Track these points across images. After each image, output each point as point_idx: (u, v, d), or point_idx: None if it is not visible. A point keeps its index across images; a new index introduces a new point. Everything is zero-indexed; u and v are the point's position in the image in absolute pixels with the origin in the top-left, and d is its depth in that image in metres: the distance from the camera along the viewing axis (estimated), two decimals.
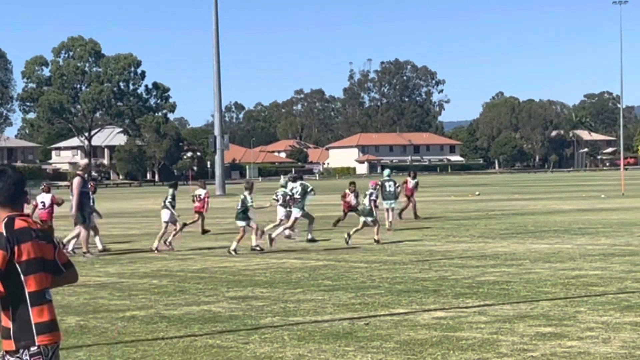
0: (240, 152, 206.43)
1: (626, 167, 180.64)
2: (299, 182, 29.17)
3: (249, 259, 24.43)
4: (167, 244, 27.41)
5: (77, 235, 25.77)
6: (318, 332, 13.30)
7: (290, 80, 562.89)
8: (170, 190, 28.06)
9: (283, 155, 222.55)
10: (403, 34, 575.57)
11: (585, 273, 19.27)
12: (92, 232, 26.62)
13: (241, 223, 25.74)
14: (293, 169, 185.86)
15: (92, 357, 12.04)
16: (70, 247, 25.87)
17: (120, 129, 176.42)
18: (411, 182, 38.94)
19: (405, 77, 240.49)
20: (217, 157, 47.36)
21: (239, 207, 26.09)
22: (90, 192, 26.55)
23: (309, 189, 28.86)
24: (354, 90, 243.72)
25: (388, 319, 14.27)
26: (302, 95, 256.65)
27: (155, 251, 26.49)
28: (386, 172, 36.88)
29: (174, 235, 27.90)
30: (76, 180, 25.66)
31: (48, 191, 29.01)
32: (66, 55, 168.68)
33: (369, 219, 27.10)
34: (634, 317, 13.93)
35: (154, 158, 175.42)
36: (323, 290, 17.82)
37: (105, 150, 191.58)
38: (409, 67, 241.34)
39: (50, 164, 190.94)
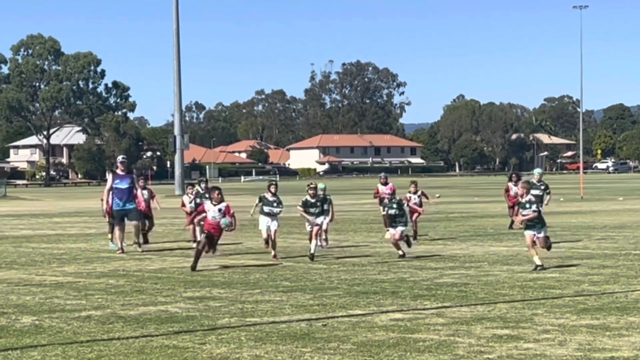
0: (200, 152, 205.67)
1: (574, 170, 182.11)
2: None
3: (208, 259, 24.30)
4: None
5: None
6: (275, 333, 13.24)
7: (251, 80, 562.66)
8: None
9: (244, 155, 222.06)
10: (365, 35, 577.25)
11: (543, 276, 19.36)
12: None
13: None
14: (254, 170, 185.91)
15: (46, 357, 11.91)
16: None
17: (79, 128, 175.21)
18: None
19: (366, 79, 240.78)
20: (177, 157, 47.16)
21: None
22: None
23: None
24: (315, 92, 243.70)
25: (346, 321, 14.24)
26: (263, 96, 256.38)
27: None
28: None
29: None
30: None
31: None
32: (25, 53, 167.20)
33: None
34: (590, 319, 14.00)
35: (113, 157, 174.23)
36: (281, 291, 17.77)
37: (64, 149, 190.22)
38: (370, 68, 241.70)
39: (8, 162, 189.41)
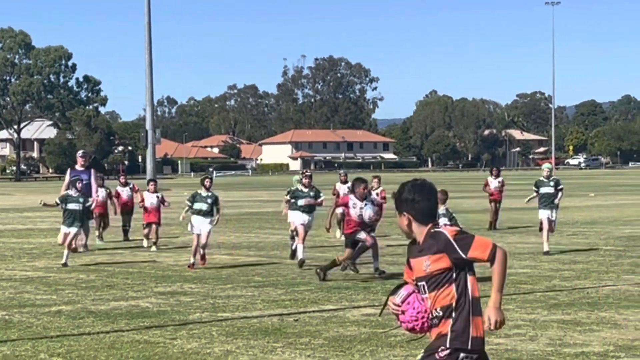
0: (172, 147, 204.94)
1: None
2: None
3: (179, 254, 24.24)
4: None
5: None
6: (247, 328, 13.21)
7: (224, 75, 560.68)
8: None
9: (216, 150, 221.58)
10: (337, 31, 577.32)
11: (515, 271, 19.40)
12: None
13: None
14: (226, 165, 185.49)
15: (16, 352, 11.83)
16: None
17: (50, 122, 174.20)
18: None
19: (339, 74, 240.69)
20: (149, 152, 46.89)
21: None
22: None
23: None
24: (288, 87, 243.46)
25: (317, 316, 14.23)
26: (236, 91, 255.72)
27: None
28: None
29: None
30: None
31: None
32: None
33: None
34: (561, 315, 14.05)
35: None
36: (253, 286, 17.74)
37: (35, 143, 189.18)
38: (343, 64, 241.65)
39: None
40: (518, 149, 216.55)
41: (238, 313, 14.59)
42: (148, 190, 26.28)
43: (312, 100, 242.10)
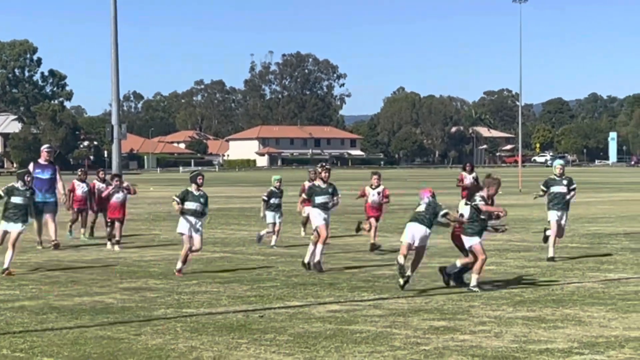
0: (138, 142, 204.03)
1: (512, 164, 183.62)
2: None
3: (144, 250, 24.13)
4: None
5: None
6: (212, 324, 13.15)
7: (191, 70, 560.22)
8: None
9: (182, 146, 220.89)
10: (305, 27, 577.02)
11: None
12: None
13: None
14: (192, 160, 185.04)
15: None
16: None
17: (15, 117, 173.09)
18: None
19: (306, 70, 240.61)
20: (114, 147, 46.62)
21: None
22: None
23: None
24: (255, 82, 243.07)
25: (283, 312, 14.19)
26: (202, 86, 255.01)
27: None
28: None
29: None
30: None
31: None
32: None
33: None
34: (526, 311, 14.08)
35: None
36: (218, 282, 17.67)
37: None
38: (310, 60, 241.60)
39: None
40: (485, 146, 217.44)
41: (203, 309, 14.52)
42: (115, 185, 25.41)
43: (280, 96, 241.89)
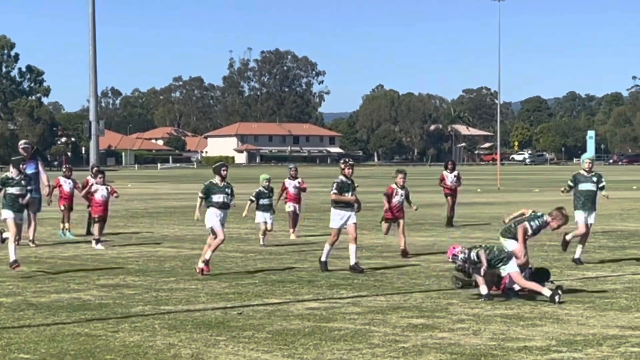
0: (116, 139, 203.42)
1: (490, 162, 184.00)
2: None
3: (122, 247, 24.04)
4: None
5: None
6: (190, 322, 13.11)
7: (169, 67, 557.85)
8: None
9: (160, 142, 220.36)
10: (284, 23, 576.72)
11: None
12: None
13: None
14: (170, 157, 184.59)
15: None
16: None
17: None
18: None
19: (285, 67, 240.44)
20: (92, 143, 46.38)
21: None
22: None
23: None
24: (234, 79, 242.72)
25: (261, 309, 14.16)
26: (181, 83, 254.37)
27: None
28: None
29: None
30: None
31: None
32: None
33: None
34: (504, 309, 14.11)
35: None
36: (197, 279, 17.62)
37: None
38: (289, 57, 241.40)
39: None
40: (464, 144, 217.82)
41: (181, 306, 14.48)
42: (97, 182, 24.65)
43: (258, 93, 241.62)
